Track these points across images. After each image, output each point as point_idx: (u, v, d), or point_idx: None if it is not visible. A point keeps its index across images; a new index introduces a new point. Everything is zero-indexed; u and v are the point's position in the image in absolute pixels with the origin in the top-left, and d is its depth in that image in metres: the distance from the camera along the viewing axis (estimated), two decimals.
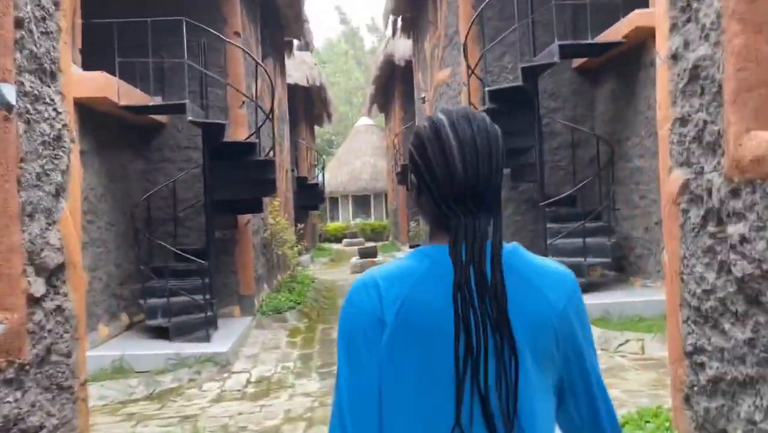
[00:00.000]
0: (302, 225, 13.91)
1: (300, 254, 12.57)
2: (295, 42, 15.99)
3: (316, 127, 29.97)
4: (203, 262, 7.49)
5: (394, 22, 16.14)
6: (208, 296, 7.87)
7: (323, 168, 22.00)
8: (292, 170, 18.44)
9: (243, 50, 8.51)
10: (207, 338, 7.38)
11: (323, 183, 22.72)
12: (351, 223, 30.10)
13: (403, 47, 18.26)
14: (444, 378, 1.03)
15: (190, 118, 7.21)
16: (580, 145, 9.01)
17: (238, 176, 8.06)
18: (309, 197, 19.83)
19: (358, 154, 30.20)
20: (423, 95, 12.80)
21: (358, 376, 1.08)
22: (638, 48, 7.52)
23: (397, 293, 1.06)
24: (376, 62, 21.36)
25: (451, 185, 1.06)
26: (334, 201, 31.62)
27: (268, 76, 9.02)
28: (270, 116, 8.42)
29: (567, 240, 7.75)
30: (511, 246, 1.12)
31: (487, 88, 7.67)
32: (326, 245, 25.96)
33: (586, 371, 1.13)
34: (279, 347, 7.64)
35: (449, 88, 10.37)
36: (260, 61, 10.92)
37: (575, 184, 8.82)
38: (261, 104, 9.24)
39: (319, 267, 18.10)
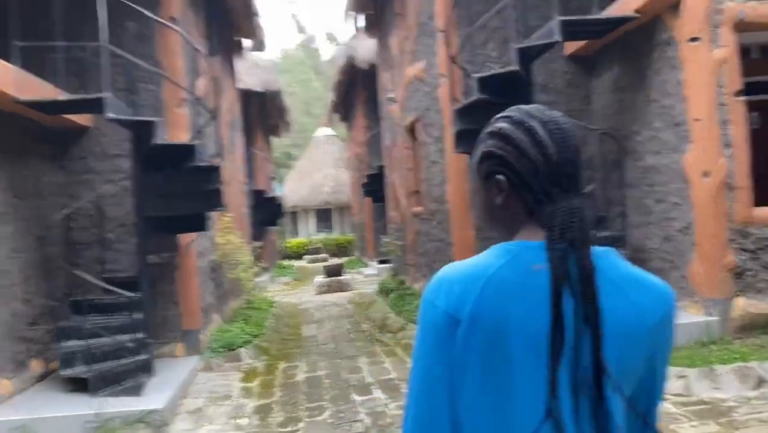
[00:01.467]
0: (260, 243, 12.43)
1: (257, 275, 11.11)
2: (247, 43, 14.58)
3: (274, 139, 28.50)
4: (132, 294, 6.01)
5: (356, 21, 14.90)
6: (141, 335, 6.39)
7: (282, 181, 20.52)
8: (247, 183, 16.96)
9: (181, 34, 7.09)
10: (138, 390, 5.89)
11: (283, 197, 21.25)
12: (313, 238, 28.61)
13: (365, 49, 17.02)
14: (521, 378, 1.00)
15: (110, 115, 5.75)
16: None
17: (176, 187, 6.62)
18: (267, 212, 18.36)
19: (319, 166, 28.81)
20: (391, 95, 11.55)
21: (432, 370, 1.07)
22: (651, 25, 6.39)
23: (471, 290, 1.04)
24: (336, 66, 20.08)
25: (548, 166, 1.07)
26: (294, 216, 30.10)
27: (211, 70, 7.59)
28: (214, 116, 7.01)
29: None
30: (603, 249, 1.09)
31: (476, 75, 6.43)
32: (288, 263, 24.42)
33: (654, 396, 1.12)
34: (230, 396, 6.19)
35: (423, 84, 9.13)
36: (205, 58, 9.51)
37: None
38: (205, 104, 7.81)
39: (281, 288, 16.61)
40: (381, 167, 16.43)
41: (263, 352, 7.82)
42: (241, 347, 7.80)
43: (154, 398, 5.77)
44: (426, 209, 9.58)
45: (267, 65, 17.68)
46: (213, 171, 6.62)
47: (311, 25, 63.26)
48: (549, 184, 1.07)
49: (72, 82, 7.38)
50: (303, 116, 37.83)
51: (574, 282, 0.99)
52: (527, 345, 1.00)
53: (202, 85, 8.80)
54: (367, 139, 18.98)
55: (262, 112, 19.77)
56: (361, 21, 14.90)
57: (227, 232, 9.16)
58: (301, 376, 6.71)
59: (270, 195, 18.97)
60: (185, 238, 7.45)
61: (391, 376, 6.33)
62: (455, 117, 6.65)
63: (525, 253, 1.05)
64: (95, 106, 5.88)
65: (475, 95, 6.39)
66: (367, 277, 16.92)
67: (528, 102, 5.29)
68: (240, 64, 15.92)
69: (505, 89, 6.58)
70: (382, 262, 17.49)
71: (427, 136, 9.08)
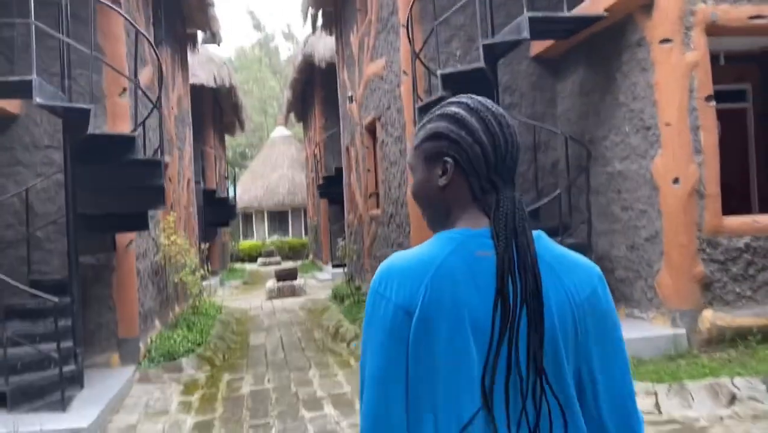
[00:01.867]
0: (207, 245, 11.83)
1: (204, 278, 10.52)
2: (200, 35, 13.97)
3: (228, 138, 27.71)
4: (56, 299, 5.42)
5: (314, 17, 14.44)
6: (69, 344, 5.81)
7: (235, 181, 19.87)
8: (198, 182, 16.28)
9: (123, 16, 6.53)
10: (64, 405, 5.32)
11: (235, 197, 20.58)
12: (267, 241, 27.90)
13: (323, 47, 16.57)
14: (471, 362, 1.03)
15: (38, 100, 5.16)
16: (541, 148, 7.59)
17: (113, 182, 6.07)
18: (218, 213, 17.71)
19: (275, 166, 28.14)
20: (350, 94, 11.15)
21: (386, 366, 1.05)
22: (621, 26, 6.17)
23: (421, 281, 1.04)
24: (293, 64, 19.55)
25: (495, 156, 1.10)
26: (248, 217, 29.34)
27: (156, 55, 7.06)
28: (157, 105, 6.47)
29: None
30: (536, 232, 1.12)
31: (440, 71, 6.08)
32: (239, 266, 23.71)
33: (611, 370, 1.13)
34: (168, 411, 5.66)
35: (384, 82, 8.75)
36: (158, 55, 8.94)
37: (537, 193, 7.38)
38: (148, 95, 7.24)
39: (230, 292, 15.97)
40: (338, 169, 15.99)
41: (206, 362, 7.29)
42: (182, 356, 7.24)
43: (81, 414, 5.22)
44: (384, 212, 9.21)
45: (221, 60, 17.03)
46: (154, 166, 6.09)
47: (269, 23, 62.01)
48: (494, 174, 1.10)
49: (2, 66, 6.76)
50: (259, 115, 37.07)
51: (517, 268, 1.02)
52: (475, 331, 1.02)
53: (146, 74, 8.22)
54: (324, 140, 18.52)
55: (216, 109, 19.10)
56: (320, 18, 14.47)
57: (171, 232, 8.58)
58: (246, 389, 6.23)
59: (222, 195, 18.30)
60: (123, 238, 6.88)
61: (344, 390, 5.91)
62: (417, 115, 6.30)
63: (469, 240, 1.07)
64: (21, 90, 5.29)
65: (439, 93, 6.05)
66: (321, 282, 16.44)
67: (494, 99, 4.96)
68: (192, 58, 15.29)
69: (469, 87, 6.20)
70: (336, 266, 17.05)
71: (387, 136, 8.71)
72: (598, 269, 1.16)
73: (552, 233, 6.32)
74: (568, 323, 1.07)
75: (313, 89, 19.21)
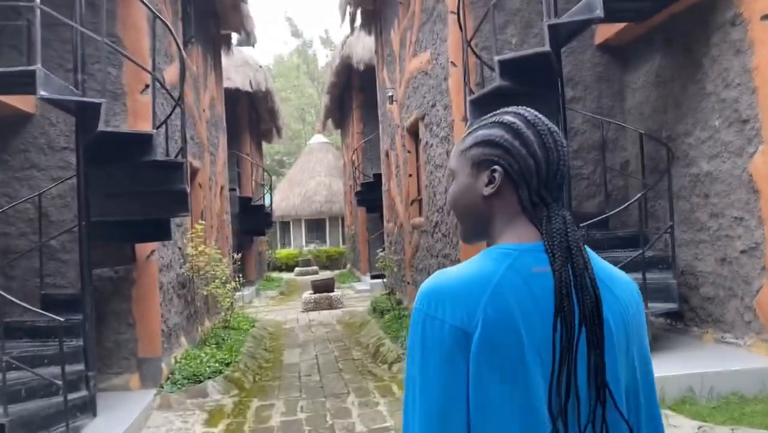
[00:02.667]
0: (240, 254, 11.24)
1: (236, 290, 9.91)
2: (234, 37, 13.47)
3: (266, 145, 27.34)
4: (61, 319, 4.80)
5: (353, 16, 13.81)
6: (80, 367, 5.21)
7: (271, 188, 19.37)
8: (233, 189, 15.79)
9: (146, 5, 5.94)
10: None
11: (272, 205, 20.06)
12: (304, 249, 27.37)
13: (362, 49, 15.94)
14: (537, 385, 0.97)
15: (42, 93, 4.58)
16: (608, 147, 6.72)
17: (130, 187, 5.46)
18: (254, 221, 17.18)
19: (312, 174, 27.62)
20: (390, 93, 10.43)
21: (446, 395, 0.98)
22: (710, 3, 5.29)
23: (478, 300, 0.99)
24: (331, 67, 18.98)
25: (548, 172, 1.06)
26: (285, 225, 28.88)
27: (178, 46, 6.45)
28: (179, 102, 5.85)
29: None
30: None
31: (497, 57, 5.29)
32: (276, 275, 23.19)
33: (650, 382, 1.11)
34: None
35: (428, 77, 8.00)
36: (181, 46, 8.39)
37: (606, 197, 6.52)
38: (176, 92, 6.63)
39: (266, 303, 15.39)
40: (377, 175, 15.32)
41: (235, 385, 6.61)
42: (209, 378, 6.59)
43: None
44: (428, 220, 8.44)
45: (257, 64, 16.54)
46: (176, 168, 5.45)
47: (307, 29, 61.86)
48: (545, 189, 1.06)
49: (14, 60, 6.24)
50: (297, 123, 36.76)
51: (574, 286, 0.99)
52: (536, 351, 0.98)
53: (172, 71, 7.65)
54: (362, 146, 17.86)
55: (252, 114, 18.63)
56: (358, 18, 13.84)
57: (200, 241, 7.97)
58: (276, 419, 5.51)
59: (257, 203, 17.78)
60: (144, 248, 6.27)
61: (386, 424, 5.13)
62: (470, 109, 5.52)
63: (524, 255, 1.03)
64: (24, 83, 4.71)
65: (496, 82, 5.26)
66: (359, 293, 15.72)
67: (557, 94, 4.13)
68: (227, 61, 14.82)
69: (529, 76, 5.47)
70: (375, 277, 16.33)
71: (432, 137, 7.95)
72: (635, 283, 1.13)
73: (628, 244, 5.45)
74: (622, 340, 1.05)
75: (351, 94, 18.59)
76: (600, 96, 6.81)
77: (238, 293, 12.80)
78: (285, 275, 23.60)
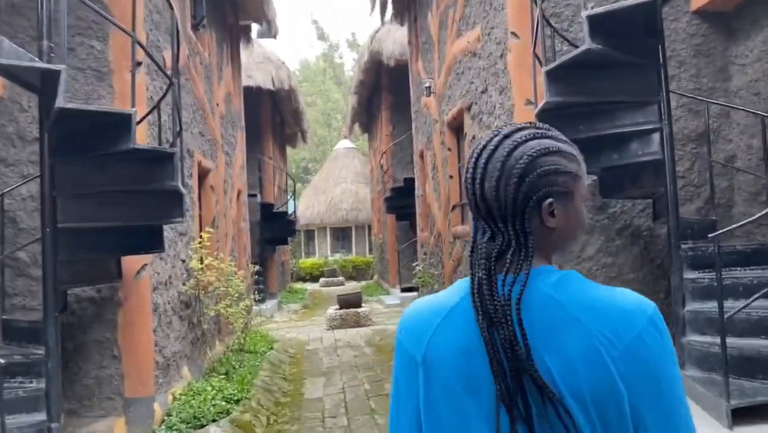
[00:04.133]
0: (257, 267, 10.04)
1: (252, 307, 8.71)
2: (255, 28, 12.37)
3: (290, 150, 26.30)
4: (28, 351, 3.62)
5: (383, 5, 12.63)
6: (40, 416, 4.02)
7: (294, 194, 18.23)
8: (254, 195, 14.67)
9: None
10: None
11: (296, 213, 18.92)
12: (329, 259, 26.20)
13: (392, 43, 14.76)
14: (472, 423, 0.98)
15: None
16: (709, 136, 5.36)
17: (106, 184, 4.27)
18: (277, 229, 16.03)
19: (338, 180, 26.49)
20: (427, 84, 9.17)
21: (399, 414, 1.08)
22: None
23: (427, 329, 1.03)
24: (359, 64, 17.81)
25: (467, 195, 1.06)
26: (310, 234, 27.78)
27: (170, 6, 5.26)
28: (173, 80, 4.65)
29: (735, 304, 4.00)
30: (558, 275, 1.01)
31: (586, 13, 4.01)
32: (300, 286, 22.02)
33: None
34: None
35: (478, 58, 6.72)
36: (177, 16, 7.28)
37: (711, 199, 5.16)
38: (171, 71, 5.43)
39: (287, 318, 14.20)
40: (408, 180, 14.09)
41: (244, 430, 5.38)
42: (213, 421, 5.37)
43: None
44: None
45: (279, 60, 15.44)
46: (164, 160, 4.24)
47: (333, 32, 60.90)
48: (475, 211, 1.05)
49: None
50: (323, 129, 35.74)
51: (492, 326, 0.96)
52: (475, 385, 0.98)
53: (181, 55, 6.47)
54: (392, 149, 16.63)
55: (275, 116, 17.54)
56: (389, 8, 12.66)
57: (206, 253, 6.79)
58: None
59: (280, 210, 16.64)
60: (133, 262, 5.09)
61: None
62: (547, 83, 4.23)
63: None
64: None
65: (585, 44, 3.96)
66: (388, 307, 14.44)
67: (657, 65, 3.01)
68: (248, 57, 13.74)
69: (625, 40, 4.17)
70: (406, 290, 15.04)
71: (482, 128, 6.66)
72: (650, 308, 0.98)
73: (748, 261, 4.02)
74: (601, 387, 0.92)
75: (380, 94, 17.40)
76: (698, 74, 5.46)
77: (257, 307, 11.63)
78: (309, 286, 22.43)
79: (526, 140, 1.03)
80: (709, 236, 3.83)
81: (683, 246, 4.39)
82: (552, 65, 4.23)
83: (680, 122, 5.37)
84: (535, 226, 1.02)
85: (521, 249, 1.00)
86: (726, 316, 3.59)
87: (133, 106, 3.90)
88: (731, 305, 3.86)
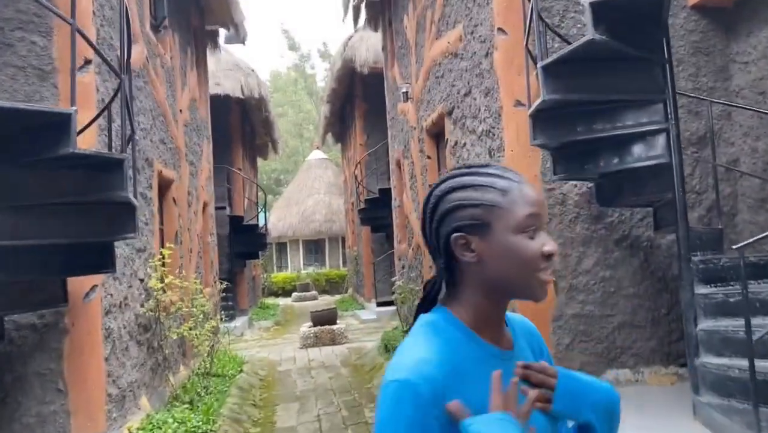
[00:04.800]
0: (224, 284, 9.45)
1: (216, 331, 8.13)
2: (222, 33, 11.85)
3: (262, 163, 25.69)
4: None
5: (357, 10, 12.22)
6: None
7: (265, 206, 17.63)
8: (223, 207, 14.06)
9: None
10: None
11: (267, 225, 18.31)
12: (302, 272, 25.57)
13: (366, 50, 14.35)
14: None
15: None
16: (708, 142, 5.01)
17: (44, 195, 3.71)
18: (247, 242, 15.43)
19: (311, 192, 25.93)
20: (404, 89, 8.75)
21: None
22: None
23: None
24: (332, 71, 17.36)
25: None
26: (282, 247, 27.11)
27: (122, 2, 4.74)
28: (123, 73, 4.12)
29: (754, 322, 3.60)
30: (420, 321, 1.12)
31: (589, 0, 3.62)
32: (272, 301, 21.36)
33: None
34: None
35: (460, 59, 6.31)
36: (148, 29, 6.77)
37: (716, 208, 4.80)
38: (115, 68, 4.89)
39: (258, 336, 13.58)
40: (383, 190, 13.64)
41: None
42: None
43: None
44: None
45: (249, 68, 14.91)
46: (112, 167, 3.70)
47: (304, 42, 60.28)
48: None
49: None
50: (294, 140, 35.17)
51: None
52: None
53: (134, 54, 5.93)
54: (366, 159, 16.18)
55: (245, 126, 16.97)
56: (362, 13, 12.26)
57: (166, 272, 6.22)
58: None
59: (250, 222, 16.04)
60: (80, 283, 4.51)
61: None
62: (543, 79, 3.81)
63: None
64: None
65: (588, 34, 3.55)
66: (364, 323, 13.92)
67: (662, 59, 2.69)
68: (215, 64, 13.21)
69: (629, 31, 3.79)
70: (382, 303, 14.55)
71: (465, 134, 6.24)
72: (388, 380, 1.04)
73: (763, 273, 3.58)
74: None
75: (354, 102, 16.95)
76: (697, 73, 5.13)
77: (226, 326, 11.01)
78: (282, 301, 21.78)
79: (441, 182, 1.11)
80: (734, 247, 3.43)
81: (693, 258, 3.99)
82: (549, 59, 3.81)
83: (680, 124, 5.00)
84: (463, 263, 1.08)
85: (443, 284, 1.12)
86: (756, 337, 3.18)
87: (73, 104, 3.37)
88: (757, 324, 3.46)
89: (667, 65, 4.02)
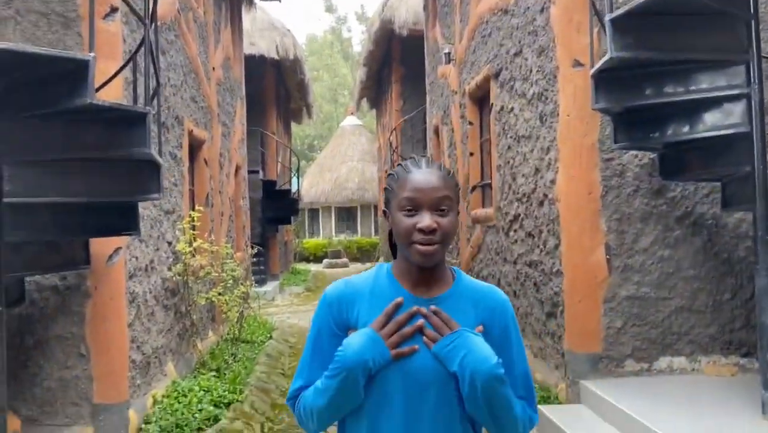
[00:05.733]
0: (255, 249, 9.24)
1: (254, 285, 7.96)
2: None
3: (296, 128, 25.46)
4: None
5: None
6: None
7: (298, 171, 17.40)
8: (256, 171, 13.86)
9: None
10: None
11: (299, 191, 18.11)
12: (334, 239, 25.45)
13: (405, 11, 13.82)
14: None
15: None
16: None
17: (63, 150, 3.46)
18: (280, 208, 15.25)
19: (344, 158, 25.64)
20: (447, 50, 8.30)
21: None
22: None
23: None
24: (369, 33, 16.86)
25: None
26: (314, 213, 27.00)
27: None
28: (150, 22, 3.81)
29: None
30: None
31: None
32: (303, 267, 21.31)
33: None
34: None
35: (511, 15, 5.85)
36: None
37: None
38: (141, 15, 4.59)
39: (289, 301, 13.48)
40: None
41: None
42: (199, 430, 4.63)
43: None
44: (500, 212, 6.33)
45: (284, 27, 14.52)
46: (134, 122, 3.42)
47: (342, 3, 58.91)
48: None
49: None
50: (329, 105, 34.80)
51: None
52: None
53: (163, 5, 5.62)
54: (402, 125, 15.76)
55: (280, 89, 16.66)
56: None
57: (200, 233, 6.01)
58: None
59: (283, 187, 15.84)
60: (104, 245, 4.30)
61: None
62: (612, 34, 3.38)
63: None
64: None
65: None
66: None
67: (748, 15, 3.19)
68: (251, 23, 12.86)
69: None
70: None
71: (513, 98, 5.82)
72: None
73: None
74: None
75: (391, 67, 16.48)
76: None
77: (257, 290, 10.89)
78: (313, 267, 21.71)
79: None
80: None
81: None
82: (619, 12, 3.37)
83: (763, 89, 4.51)
84: None
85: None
86: None
87: (91, 50, 3.09)
88: None
89: (753, 22, 3.55)
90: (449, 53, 8.19)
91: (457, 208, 1.40)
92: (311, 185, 25.39)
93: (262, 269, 13.80)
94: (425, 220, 1.33)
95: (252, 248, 9.10)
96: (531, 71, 5.29)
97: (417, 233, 1.34)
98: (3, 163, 3.33)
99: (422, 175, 1.37)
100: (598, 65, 3.65)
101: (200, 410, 4.85)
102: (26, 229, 3.56)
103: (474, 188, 7.58)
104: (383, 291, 1.43)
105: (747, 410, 3.74)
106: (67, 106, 3.17)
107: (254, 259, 9.95)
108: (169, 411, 4.77)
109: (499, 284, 6.44)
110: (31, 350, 4.28)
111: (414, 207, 1.36)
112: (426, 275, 1.42)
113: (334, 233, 26.27)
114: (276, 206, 15.10)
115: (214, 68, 8.04)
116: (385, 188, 1.44)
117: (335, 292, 1.46)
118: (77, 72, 3.05)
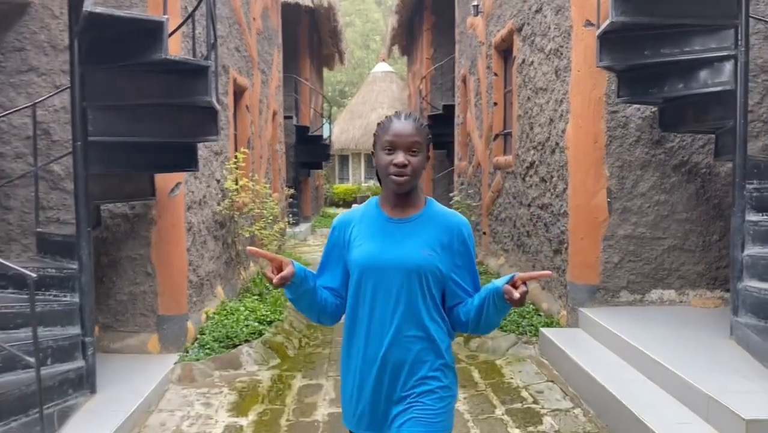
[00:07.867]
0: (291, 190, 9.90)
1: (284, 233, 8.65)
2: None
3: (327, 74, 25.78)
4: (34, 274, 3.55)
5: None
6: (74, 330, 4.03)
7: (330, 118, 17.89)
8: (290, 117, 14.43)
9: None
10: (54, 425, 3.56)
11: (330, 137, 18.66)
12: (363, 185, 26.08)
13: None
14: None
15: None
16: None
17: (136, 97, 4.09)
18: (311, 153, 15.87)
19: (374, 105, 25.95)
20: (476, 2, 8.64)
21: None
22: None
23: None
24: None
25: None
26: (344, 159, 27.57)
27: None
28: None
29: None
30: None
31: None
32: (333, 211, 22.04)
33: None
34: None
35: None
36: None
37: None
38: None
39: (321, 241, 14.21)
40: (447, 107, 13.64)
41: (276, 352, 5.39)
42: (246, 341, 5.39)
43: None
44: (518, 159, 6.84)
45: None
46: (197, 74, 4.02)
47: None
48: None
49: None
50: (360, 51, 34.86)
51: None
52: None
53: None
54: (432, 73, 16.07)
55: (313, 36, 17.02)
56: None
57: (241, 174, 6.66)
58: (323, 410, 4.24)
59: (315, 133, 16.41)
60: (166, 180, 4.98)
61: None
62: (613, 0, 3.83)
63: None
64: None
65: None
66: None
67: None
68: None
69: None
70: None
71: (534, 52, 6.25)
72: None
73: None
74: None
75: (422, 14, 16.66)
76: None
77: (291, 230, 11.62)
78: (342, 211, 22.42)
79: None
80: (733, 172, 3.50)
81: (748, 186, 4.07)
82: None
83: (752, 51, 4.90)
84: None
85: None
86: None
87: (165, 13, 3.66)
88: None
89: None
90: (477, 5, 8.54)
91: (427, 151, 1.81)
92: (342, 131, 25.87)
93: (295, 211, 14.53)
94: (399, 157, 1.75)
95: (287, 189, 9.74)
96: (549, 28, 5.71)
97: (393, 167, 1.76)
98: (88, 108, 3.98)
99: (400, 125, 1.78)
100: (602, 27, 4.11)
101: (246, 326, 5.59)
102: (106, 163, 4.23)
103: (497, 136, 8.06)
104: (370, 215, 1.89)
105: (719, 334, 4.32)
106: (143, 60, 3.77)
107: (288, 200, 10.62)
108: (220, 325, 5.52)
109: (515, 226, 7.01)
110: (106, 267, 5.03)
111: (392, 148, 1.77)
112: (402, 200, 1.85)
113: (363, 179, 26.87)
114: (308, 151, 15.71)
115: (254, 18, 8.53)
116: (374, 134, 1.85)
117: (339, 219, 1.95)
118: (154, 31, 3.64)
